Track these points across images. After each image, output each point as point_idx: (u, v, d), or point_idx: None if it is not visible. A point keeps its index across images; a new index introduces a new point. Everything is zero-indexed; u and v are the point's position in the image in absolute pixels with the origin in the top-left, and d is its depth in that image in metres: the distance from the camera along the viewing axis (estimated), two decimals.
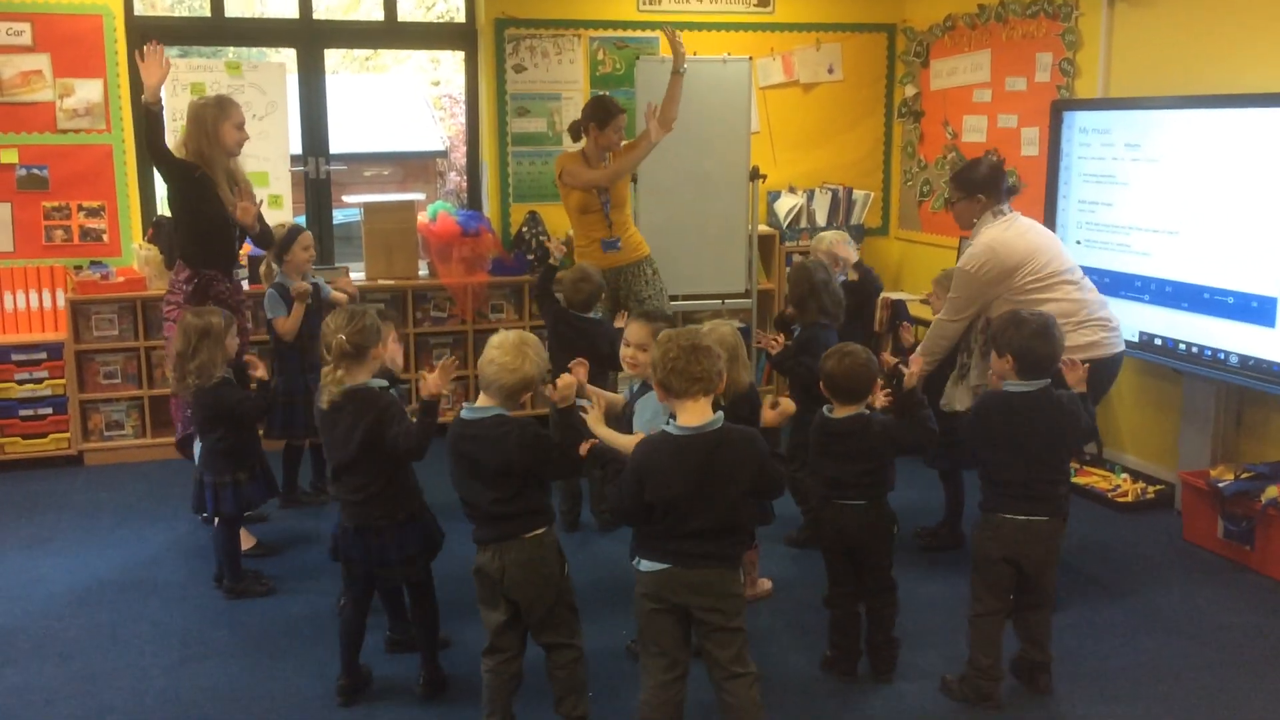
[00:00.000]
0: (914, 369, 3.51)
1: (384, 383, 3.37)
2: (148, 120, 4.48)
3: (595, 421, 3.15)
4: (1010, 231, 4.15)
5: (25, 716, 3.33)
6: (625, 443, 3.09)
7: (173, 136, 5.72)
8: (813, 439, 3.48)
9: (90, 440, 5.80)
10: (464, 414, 3.02)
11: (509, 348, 2.99)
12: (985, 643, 3.32)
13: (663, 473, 2.77)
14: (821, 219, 6.82)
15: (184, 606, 4.10)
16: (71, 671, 3.60)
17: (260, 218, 4.75)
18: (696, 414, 2.78)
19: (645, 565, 2.85)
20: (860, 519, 3.40)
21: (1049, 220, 5.38)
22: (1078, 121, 5.31)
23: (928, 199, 6.89)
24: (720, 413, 2.82)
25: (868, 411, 3.43)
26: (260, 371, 4.13)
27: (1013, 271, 4.09)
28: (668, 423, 2.82)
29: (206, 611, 4.06)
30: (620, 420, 3.57)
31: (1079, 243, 5.31)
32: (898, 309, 5.78)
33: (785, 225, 6.78)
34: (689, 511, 2.77)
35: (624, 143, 5.37)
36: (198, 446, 4.33)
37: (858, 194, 6.92)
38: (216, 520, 4.19)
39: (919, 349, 4.39)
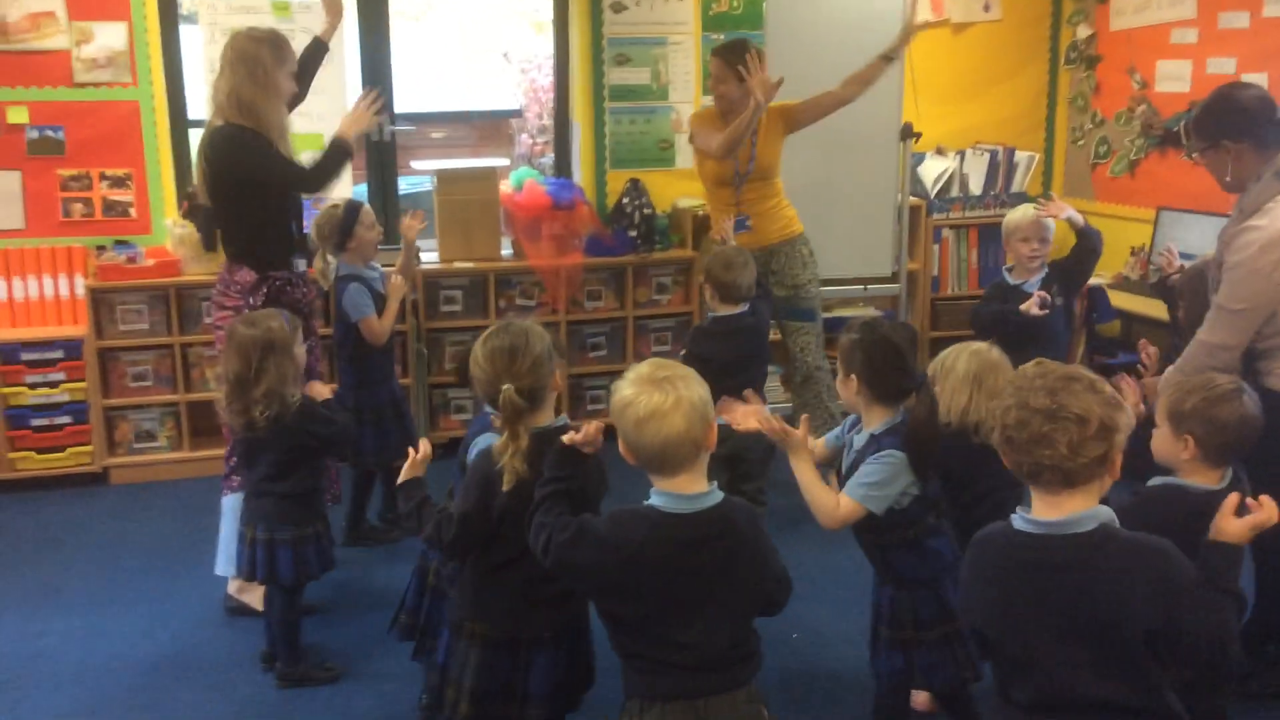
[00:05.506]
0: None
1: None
2: (345, 158, 3.71)
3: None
4: None
5: None
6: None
7: (206, 90, 4.80)
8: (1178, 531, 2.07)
9: (116, 454, 4.89)
10: (660, 503, 1.96)
11: (642, 380, 1.97)
12: None
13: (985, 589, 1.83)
14: (976, 186, 5.75)
15: (227, 700, 3.16)
16: None
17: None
18: (1051, 506, 1.77)
19: None
20: None
21: None
22: None
23: (1105, 161, 5.76)
24: (1099, 507, 1.78)
25: None
26: (326, 392, 3.26)
27: None
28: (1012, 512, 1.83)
29: (254, 704, 3.14)
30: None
31: None
32: (1095, 298, 4.73)
33: (933, 194, 5.70)
34: (1044, 658, 1.77)
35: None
36: (228, 499, 3.44)
37: (1020, 155, 5.81)
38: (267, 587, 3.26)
39: (1163, 382, 2.84)
